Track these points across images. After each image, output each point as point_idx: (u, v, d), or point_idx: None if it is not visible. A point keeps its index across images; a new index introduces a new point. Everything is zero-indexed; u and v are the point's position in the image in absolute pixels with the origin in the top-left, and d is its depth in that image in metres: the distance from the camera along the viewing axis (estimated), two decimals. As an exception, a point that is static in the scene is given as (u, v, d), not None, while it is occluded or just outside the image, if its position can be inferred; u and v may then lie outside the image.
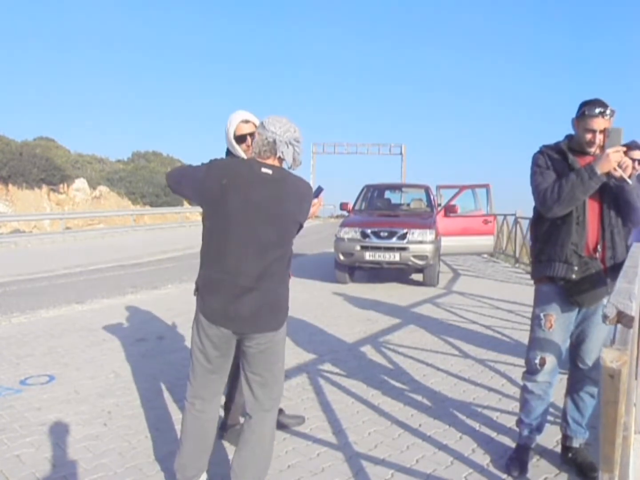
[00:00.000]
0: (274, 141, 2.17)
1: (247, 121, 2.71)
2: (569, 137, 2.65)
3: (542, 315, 2.59)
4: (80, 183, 24.81)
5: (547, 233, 2.58)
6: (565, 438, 2.78)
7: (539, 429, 2.74)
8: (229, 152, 2.80)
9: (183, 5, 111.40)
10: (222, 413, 2.90)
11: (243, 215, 2.14)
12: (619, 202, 2.50)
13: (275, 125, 2.17)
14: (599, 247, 2.53)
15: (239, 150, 2.73)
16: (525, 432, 2.75)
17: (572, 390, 2.73)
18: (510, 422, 3.18)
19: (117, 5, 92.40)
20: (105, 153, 38.31)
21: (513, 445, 2.89)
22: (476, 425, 3.25)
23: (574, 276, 2.49)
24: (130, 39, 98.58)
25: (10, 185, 21.18)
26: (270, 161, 2.20)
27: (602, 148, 2.49)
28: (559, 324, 2.56)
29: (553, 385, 2.68)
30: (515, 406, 3.41)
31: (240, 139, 2.70)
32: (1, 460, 2.76)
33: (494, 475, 2.67)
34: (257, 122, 2.59)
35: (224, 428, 3.00)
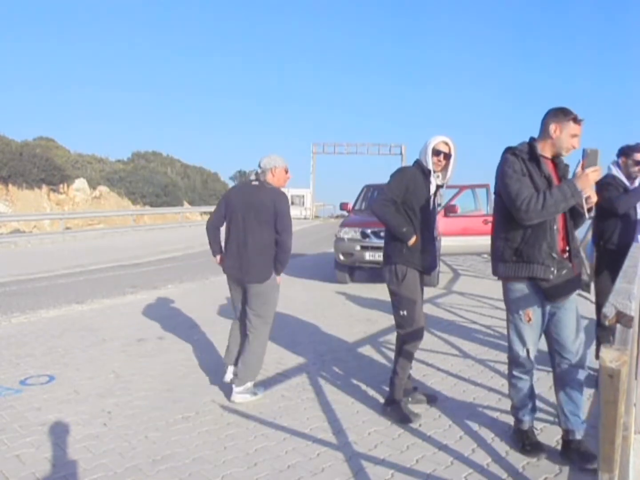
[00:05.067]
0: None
1: (446, 144, 3.40)
2: (534, 140, 2.78)
3: (520, 311, 2.78)
4: (80, 183, 24.77)
5: (523, 235, 2.71)
6: (567, 433, 2.82)
7: (533, 408, 2.95)
8: (416, 162, 3.47)
9: (182, 5, 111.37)
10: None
11: (240, 209, 3.68)
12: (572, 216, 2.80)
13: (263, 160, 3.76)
14: (567, 248, 2.77)
15: (429, 160, 3.39)
16: (527, 417, 2.92)
17: (562, 383, 2.82)
18: (510, 422, 3.18)
19: (117, 4, 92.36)
20: (105, 153, 38.23)
21: (513, 445, 2.92)
22: (476, 425, 3.25)
23: (551, 277, 2.68)
24: (130, 39, 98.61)
25: (10, 185, 21.15)
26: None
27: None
28: (536, 317, 2.77)
29: (533, 367, 2.89)
30: (515, 406, 3.41)
31: (436, 152, 3.38)
32: (1, 460, 2.77)
33: (494, 475, 2.67)
34: (453, 148, 3.41)
35: (388, 403, 3.44)
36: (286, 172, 3.86)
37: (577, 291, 2.89)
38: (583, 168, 2.60)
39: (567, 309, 2.78)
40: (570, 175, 2.78)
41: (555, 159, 2.80)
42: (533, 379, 2.93)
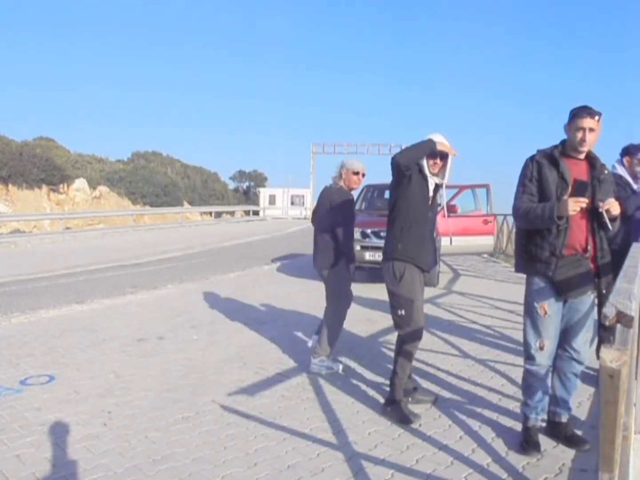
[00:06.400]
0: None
1: (440, 143, 3.30)
2: (563, 142, 2.89)
3: (535, 304, 2.87)
4: (80, 183, 24.81)
5: (532, 235, 2.88)
6: (554, 415, 3.03)
7: (543, 409, 2.96)
8: None
9: (182, 5, 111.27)
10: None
11: None
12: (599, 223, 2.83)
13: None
14: (589, 247, 2.82)
15: (425, 164, 3.29)
16: (532, 415, 2.93)
17: (560, 372, 2.98)
18: (510, 422, 3.19)
19: (117, 4, 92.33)
20: (105, 153, 38.32)
21: (513, 445, 2.92)
22: (476, 425, 3.25)
23: (550, 274, 2.79)
24: (130, 39, 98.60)
25: (10, 185, 21.17)
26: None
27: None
28: (552, 312, 2.84)
29: (550, 368, 2.93)
30: (515, 406, 3.41)
31: (431, 155, 3.28)
32: (1, 460, 2.76)
33: (494, 475, 2.67)
34: (450, 149, 3.29)
35: (388, 403, 3.43)
36: (354, 174, 4.03)
37: (593, 291, 2.92)
38: (570, 195, 2.73)
39: (581, 311, 2.88)
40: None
41: (592, 160, 2.87)
42: (548, 380, 2.94)
